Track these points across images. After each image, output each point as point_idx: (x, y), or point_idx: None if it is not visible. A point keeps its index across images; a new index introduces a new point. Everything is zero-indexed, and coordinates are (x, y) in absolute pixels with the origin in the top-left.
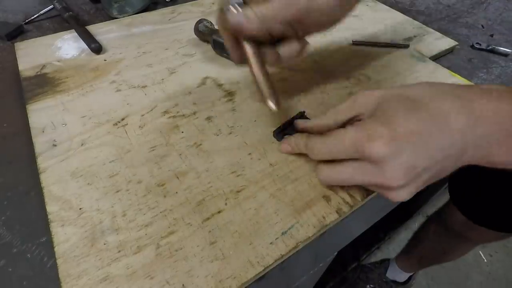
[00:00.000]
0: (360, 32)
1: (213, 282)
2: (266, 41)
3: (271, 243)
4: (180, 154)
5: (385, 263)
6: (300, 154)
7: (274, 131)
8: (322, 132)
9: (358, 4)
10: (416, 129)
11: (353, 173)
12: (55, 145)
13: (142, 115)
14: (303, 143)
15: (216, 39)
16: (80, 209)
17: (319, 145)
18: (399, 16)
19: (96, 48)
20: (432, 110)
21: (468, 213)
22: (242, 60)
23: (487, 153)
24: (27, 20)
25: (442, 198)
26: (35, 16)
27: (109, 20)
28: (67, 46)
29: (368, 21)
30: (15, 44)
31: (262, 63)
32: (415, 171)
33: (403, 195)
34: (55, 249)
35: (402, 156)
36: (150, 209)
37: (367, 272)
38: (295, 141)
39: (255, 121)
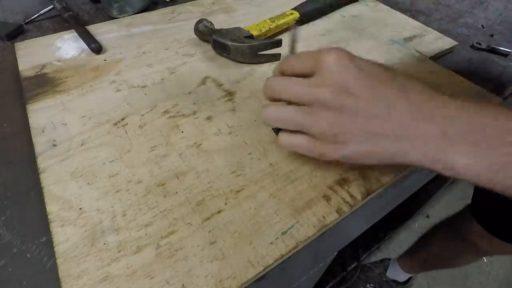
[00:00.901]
0: (360, 32)
1: (213, 282)
2: None
3: (271, 243)
4: (180, 154)
5: (385, 262)
6: (301, 155)
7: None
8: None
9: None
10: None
11: (291, 111)
12: (55, 145)
13: (142, 115)
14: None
15: (216, 39)
16: (80, 209)
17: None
18: (399, 16)
19: (96, 48)
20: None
21: (486, 224)
22: None
23: (434, 152)
24: (27, 20)
25: (442, 199)
26: (35, 16)
27: (109, 20)
28: (67, 46)
29: (368, 21)
30: (15, 44)
31: None
32: (340, 127)
33: (331, 151)
34: (55, 249)
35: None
36: (150, 209)
37: (367, 271)
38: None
39: (255, 121)
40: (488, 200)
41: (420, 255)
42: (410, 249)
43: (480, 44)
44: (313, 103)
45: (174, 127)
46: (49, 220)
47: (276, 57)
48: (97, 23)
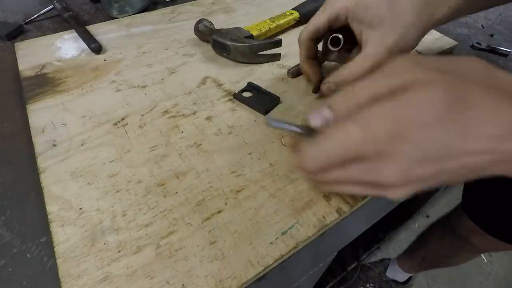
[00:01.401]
0: None
1: (213, 282)
2: None
3: (271, 243)
4: (180, 154)
5: (385, 262)
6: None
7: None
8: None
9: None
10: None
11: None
12: (55, 145)
13: (142, 115)
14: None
15: (216, 39)
16: (80, 209)
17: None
18: None
19: (96, 48)
20: (471, 112)
21: (478, 220)
22: None
23: None
24: (27, 20)
25: (442, 199)
26: (35, 16)
27: (109, 20)
28: (67, 46)
29: None
30: (15, 44)
31: None
32: (415, 173)
33: (399, 194)
34: (55, 249)
35: (405, 156)
36: (150, 209)
37: (367, 271)
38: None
39: (255, 121)
40: (478, 196)
41: (419, 254)
42: (409, 248)
43: (480, 44)
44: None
45: (174, 127)
46: (49, 220)
47: (276, 57)
48: (97, 23)
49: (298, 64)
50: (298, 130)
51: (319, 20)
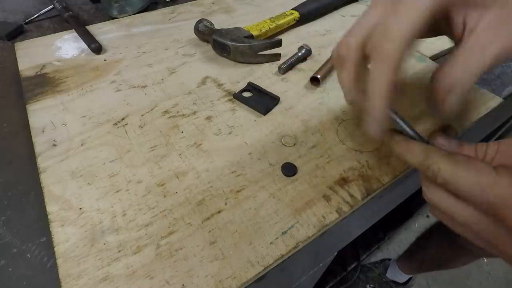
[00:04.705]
0: None
1: (213, 282)
2: None
3: (271, 243)
4: (180, 154)
5: (385, 262)
6: (301, 155)
7: None
8: None
9: None
10: None
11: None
12: (55, 145)
13: (142, 115)
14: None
15: (216, 39)
16: (80, 209)
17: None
18: None
19: (96, 48)
20: None
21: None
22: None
23: None
24: (27, 20)
25: None
26: (35, 16)
27: (109, 20)
28: (67, 46)
29: None
30: (15, 44)
31: None
32: None
33: None
34: (55, 249)
35: None
36: (150, 209)
37: (367, 272)
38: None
39: (255, 121)
40: None
41: (418, 257)
42: (408, 251)
43: None
44: None
45: (174, 127)
46: (49, 220)
47: (276, 57)
48: (97, 23)
49: (287, 60)
50: (411, 133)
51: (420, 10)
